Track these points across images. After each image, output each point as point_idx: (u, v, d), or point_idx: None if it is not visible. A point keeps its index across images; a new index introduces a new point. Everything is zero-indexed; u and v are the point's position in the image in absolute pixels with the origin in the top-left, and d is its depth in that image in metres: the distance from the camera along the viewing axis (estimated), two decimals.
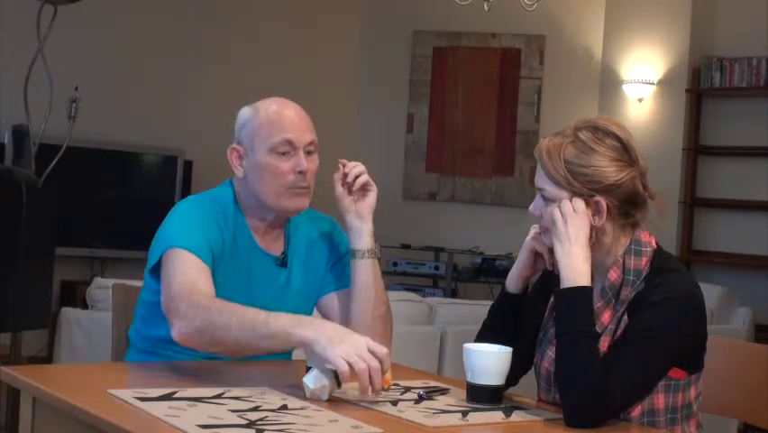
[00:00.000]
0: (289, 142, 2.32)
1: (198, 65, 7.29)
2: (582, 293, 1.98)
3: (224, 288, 2.23)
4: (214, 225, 2.31)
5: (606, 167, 2.02)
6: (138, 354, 2.40)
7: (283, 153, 2.32)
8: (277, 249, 2.41)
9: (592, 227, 2.04)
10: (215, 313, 2.10)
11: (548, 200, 2.06)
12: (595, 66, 7.60)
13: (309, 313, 2.47)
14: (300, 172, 2.32)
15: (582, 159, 2.03)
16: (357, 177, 2.40)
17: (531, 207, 2.11)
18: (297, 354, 2.28)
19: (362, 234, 2.39)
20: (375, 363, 1.94)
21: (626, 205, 2.05)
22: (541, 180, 2.08)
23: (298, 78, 7.57)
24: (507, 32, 7.85)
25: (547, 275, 2.24)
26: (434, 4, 7.74)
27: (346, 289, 2.45)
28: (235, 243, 2.34)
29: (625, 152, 2.05)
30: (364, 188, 2.41)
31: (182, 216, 2.32)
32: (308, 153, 2.35)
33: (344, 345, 1.96)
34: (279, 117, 2.34)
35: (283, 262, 2.40)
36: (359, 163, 2.42)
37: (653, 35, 7.27)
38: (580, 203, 2.03)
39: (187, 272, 2.19)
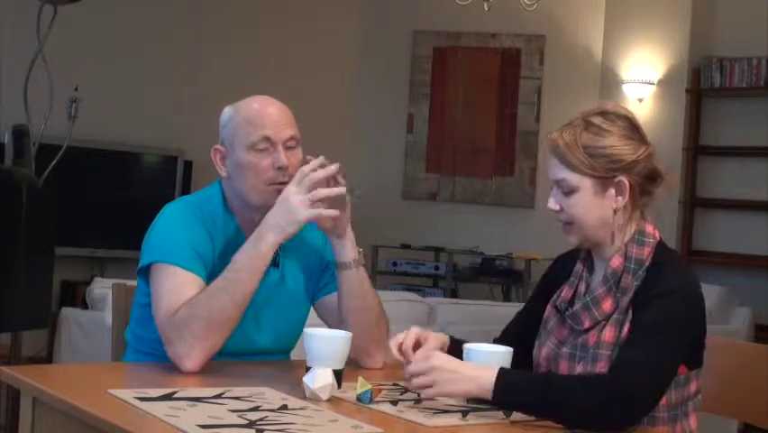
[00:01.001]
0: (267, 139, 2.30)
1: (198, 65, 7.29)
2: (505, 386, 1.87)
3: None
4: (202, 230, 2.30)
5: (622, 146, 2.06)
6: (135, 354, 2.39)
7: (262, 150, 2.30)
8: None
9: (615, 210, 2.06)
10: (189, 320, 2.14)
11: (570, 192, 2.07)
12: (595, 66, 7.60)
13: (305, 313, 2.47)
14: (279, 168, 2.30)
15: (599, 141, 2.06)
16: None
17: (550, 203, 2.11)
18: (297, 354, 2.29)
19: (344, 247, 2.33)
20: (324, 172, 2.18)
21: (646, 182, 2.08)
22: (559, 172, 2.08)
23: (298, 78, 7.57)
24: (507, 32, 7.85)
25: (551, 280, 2.26)
26: (434, 4, 7.74)
27: None
28: (226, 244, 2.33)
29: (635, 131, 2.09)
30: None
31: (169, 224, 2.31)
32: (289, 149, 2.32)
33: (292, 202, 2.16)
34: (258, 115, 2.33)
35: (275, 261, 2.39)
36: (327, 166, 2.23)
37: (653, 35, 7.27)
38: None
39: (169, 296, 2.20)
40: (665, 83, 7.23)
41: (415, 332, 2.08)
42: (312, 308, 2.50)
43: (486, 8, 5.91)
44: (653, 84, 7.25)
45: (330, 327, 2.40)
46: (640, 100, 7.27)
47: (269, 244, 2.19)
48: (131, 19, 6.98)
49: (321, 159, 2.23)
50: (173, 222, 2.31)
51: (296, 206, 2.18)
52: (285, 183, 2.29)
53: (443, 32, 8.02)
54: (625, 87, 7.35)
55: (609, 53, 7.50)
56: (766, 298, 6.51)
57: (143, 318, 2.33)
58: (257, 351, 2.37)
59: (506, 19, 7.35)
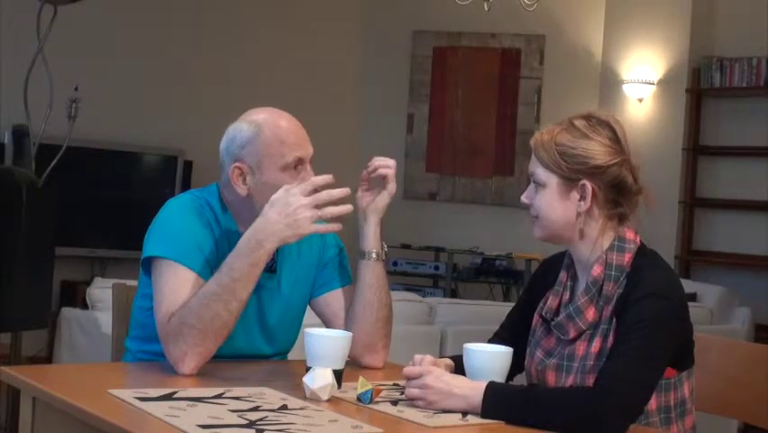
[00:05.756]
0: (301, 160, 2.30)
1: (199, 65, 7.29)
2: (491, 405, 1.90)
3: None
4: (206, 227, 2.30)
5: (594, 151, 2.06)
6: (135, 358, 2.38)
7: (295, 170, 2.30)
8: None
9: (578, 213, 2.07)
10: (183, 327, 2.13)
11: (538, 186, 2.10)
12: (595, 66, 7.61)
13: (301, 318, 2.47)
14: None
15: (574, 142, 2.07)
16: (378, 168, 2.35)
17: (522, 196, 2.13)
18: (297, 355, 2.29)
19: (366, 235, 2.36)
20: (339, 193, 2.18)
21: (612, 191, 2.08)
22: (532, 165, 2.12)
23: (299, 78, 7.57)
24: (507, 32, 7.85)
25: (538, 282, 2.26)
26: (434, 4, 7.74)
27: (341, 288, 2.44)
28: (225, 247, 2.32)
29: (616, 142, 2.09)
30: (381, 185, 2.36)
31: (174, 219, 2.30)
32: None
33: (299, 215, 2.15)
34: (287, 133, 2.30)
35: (272, 268, 2.39)
36: (389, 160, 2.36)
37: (653, 35, 7.27)
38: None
39: (169, 296, 2.19)
40: (665, 83, 7.23)
41: (429, 360, 2.09)
42: (309, 308, 2.50)
43: (486, 8, 5.91)
44: (653, 84, 7.25)
45: (325, 324, 2.41)
46: (640, 100, 7.28)
47: (267, 252, 2.18)
48: (131, 19, 6.98)
49: (330, 177, 2.24)
50: (178, 216, 2.30)
51: (302, 219, 2.17)
52: None
53: (443, 32, 8.02)
54: (625, 87, 7.35)
55: (609, 53, 7.50)
56: (766, 298, 6.52)
57: (145, 324, 2.32)
58: (253, 356, 2.37)
59: (506, 19, 7.35)
